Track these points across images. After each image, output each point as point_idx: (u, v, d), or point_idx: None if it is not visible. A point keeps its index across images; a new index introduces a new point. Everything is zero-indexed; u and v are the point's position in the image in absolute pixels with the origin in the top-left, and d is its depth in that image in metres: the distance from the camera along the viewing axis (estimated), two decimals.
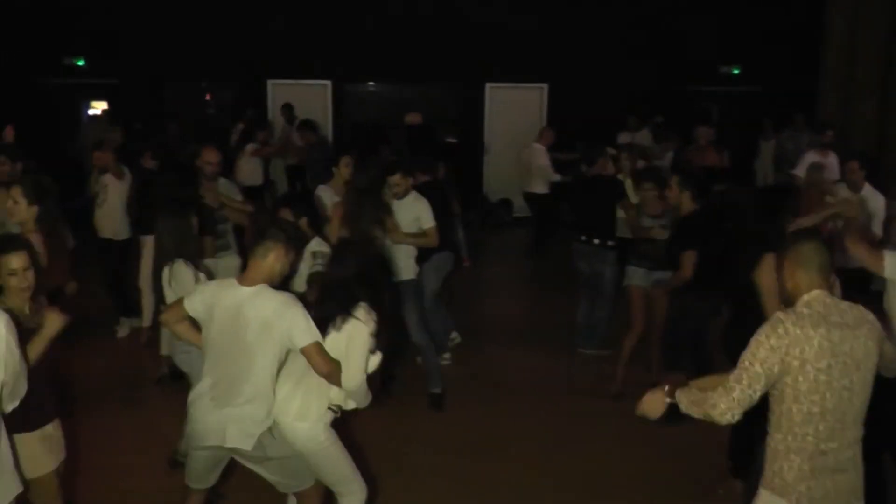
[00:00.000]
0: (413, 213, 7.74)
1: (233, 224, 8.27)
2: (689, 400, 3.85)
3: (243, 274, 4.88)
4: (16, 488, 4.08)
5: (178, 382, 6.94)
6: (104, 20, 16.01)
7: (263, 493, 5.46)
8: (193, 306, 4.93)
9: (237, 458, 4.95)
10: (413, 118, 14.76)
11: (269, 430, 4.77)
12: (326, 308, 4.88)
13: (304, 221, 6.50)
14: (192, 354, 5.70)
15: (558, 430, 7.48)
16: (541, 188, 13.63)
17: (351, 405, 5.01)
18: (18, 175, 7.52)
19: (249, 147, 13.10)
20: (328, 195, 8.12)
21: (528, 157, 13.76)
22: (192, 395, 4.88)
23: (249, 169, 13.00)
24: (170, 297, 5.96)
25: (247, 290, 4.72)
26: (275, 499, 5.39)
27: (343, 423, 5.19)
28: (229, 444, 4.75)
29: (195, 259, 6.10)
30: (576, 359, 9.13)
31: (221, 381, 4.76)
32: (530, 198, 14.11)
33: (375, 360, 4.98)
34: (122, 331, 9.65)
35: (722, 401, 3.67)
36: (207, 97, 17.72)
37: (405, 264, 7.79)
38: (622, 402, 7.49)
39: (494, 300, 12.15)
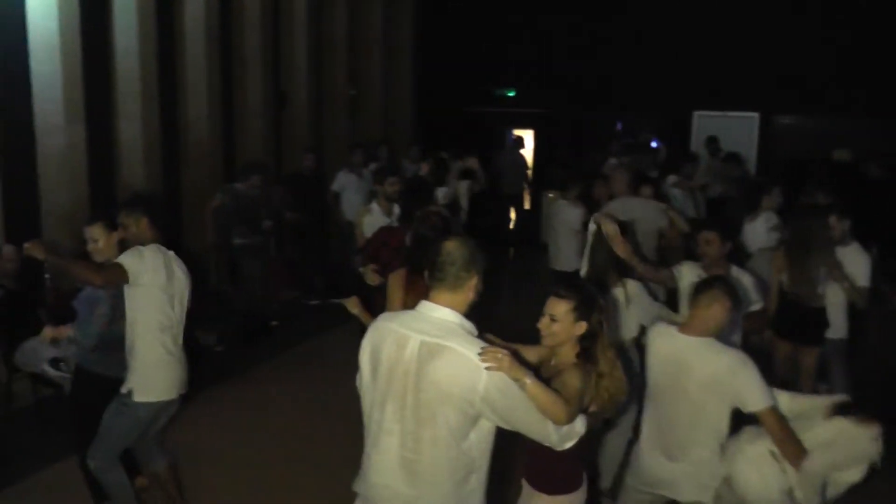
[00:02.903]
0: (849, 265, 6.89)
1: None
2: None
3: (686, 323, 4.63)
4: None
5: None
6: (533, 54, 16.70)
7: None
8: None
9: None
10: (842, 155, 13.72)
11: (725, 480, 4.54)
12: None
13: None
14: None
15: None
16: None
17: None
18: None
19: (671, 178, 12.71)
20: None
21: None
22: (643, 442, 4.75)
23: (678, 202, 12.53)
24: (627, 317, 5.78)
25: (692, 339, 4.50)
26: None
27: None
28: (686, 499, 4.61)
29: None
30: None
31: (668, 431, 4.60)
32: None
33: None
34: None
35: None
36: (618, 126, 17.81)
37: (837, 319, 7.01)
38: None
39: None
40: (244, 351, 9.64)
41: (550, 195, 9.68)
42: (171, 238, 5.70)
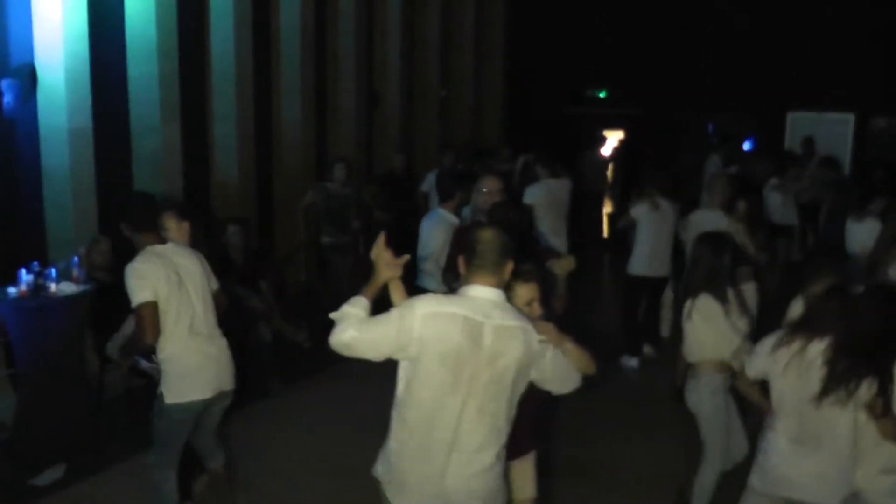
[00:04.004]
0: None
1: None
2: None
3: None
4: None
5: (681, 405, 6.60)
6: (624, 55, 16.65)
7: None
8: (757, 367, 4.77)
9: None
10: None
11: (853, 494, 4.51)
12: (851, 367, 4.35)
13: None
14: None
15: None
16: None
17: None
18: None
19: (772, 181, 12.33)
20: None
21: None
22: (772, 440, 4.70)
23: (776, 205, 12.21)
24: (691, 330, 5.66)
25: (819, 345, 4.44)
26: None
27: None
28: (815, 500, 4.54)
29: (723, 292, 5.69)
30: None
31: (803, 429, 4.54)
32: None
33: None
34: (630, 364, 9.40)
35: None
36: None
37: None
38: None
39: None
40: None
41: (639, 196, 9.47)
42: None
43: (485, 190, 7.04)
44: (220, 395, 5.49)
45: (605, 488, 6.46)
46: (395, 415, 3.93)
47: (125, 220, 5.35)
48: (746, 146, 15.91)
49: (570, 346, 3.97)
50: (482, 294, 3.80)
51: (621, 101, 17.69)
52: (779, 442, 4.64)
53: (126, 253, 5.52)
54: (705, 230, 6.92)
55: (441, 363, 3.74)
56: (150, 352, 7.25)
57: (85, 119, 8.25)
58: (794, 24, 15.96)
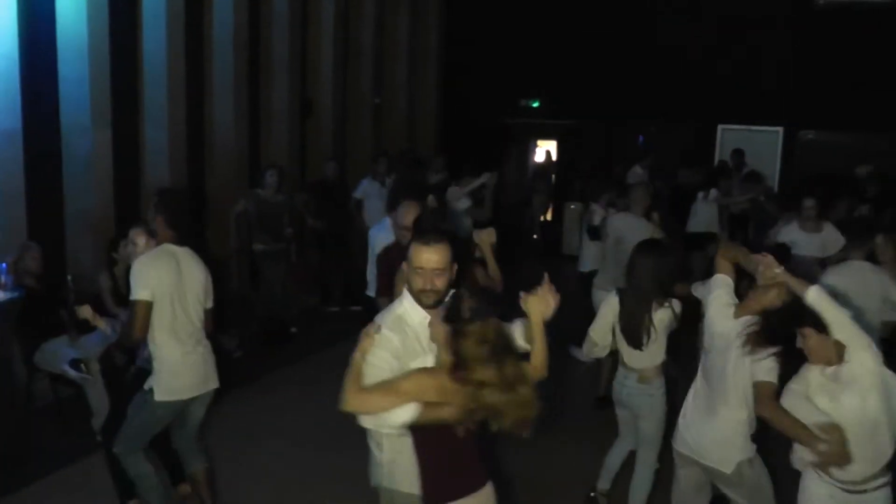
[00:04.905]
0: None
1: None
2: None
3: (740, 305, 4.73)
4: None
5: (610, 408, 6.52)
6: (559, 67, 16.78)
7: None
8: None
9: (713, 477, 4.88)
10: (864, 171, 13.52)
11: (750, 460, 4.72)
12: None
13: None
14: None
15: None
16: None
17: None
18: None
19: (712, 193, 12.44)
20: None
21: None
22: (686, 405, 4.98)
23: (706, 215, 12.35)
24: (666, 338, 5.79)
25: (740, 322, 4.65)
26: None
27: None
28: (710, 464, 4.77)
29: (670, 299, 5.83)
30: None
31: (707, 392, 4.83)
32: None
33: None
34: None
35: None
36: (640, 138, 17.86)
37: None
38: None
39: None
40: (263, 356, 9.68)
41: (572, 206, 9.66)
42: (191, 237, 5.66)
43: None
44: (205, 394, 5.67)
45: (534, 497, 6.45)
46: None
47: (162, 214, 5.48)
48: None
49: (355, 356, 3.80)
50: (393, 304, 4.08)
51: (554, 112, 17.83)
52: (689, 407, 4.92)
53: (56, 260, 5.42)
54: (625, 234, 7.74)
55: None
56: (77, 361, 7.15)
57: (14, 120, 8.02)
58: (726, 39, 16.25)
